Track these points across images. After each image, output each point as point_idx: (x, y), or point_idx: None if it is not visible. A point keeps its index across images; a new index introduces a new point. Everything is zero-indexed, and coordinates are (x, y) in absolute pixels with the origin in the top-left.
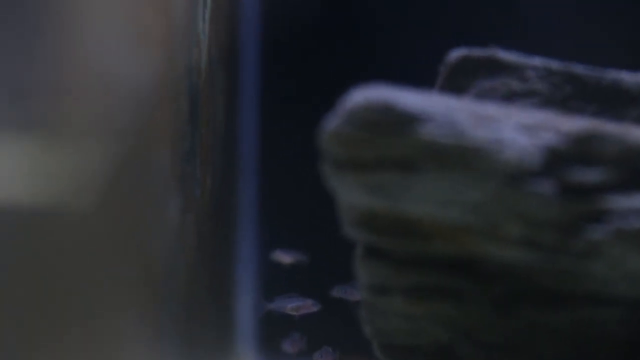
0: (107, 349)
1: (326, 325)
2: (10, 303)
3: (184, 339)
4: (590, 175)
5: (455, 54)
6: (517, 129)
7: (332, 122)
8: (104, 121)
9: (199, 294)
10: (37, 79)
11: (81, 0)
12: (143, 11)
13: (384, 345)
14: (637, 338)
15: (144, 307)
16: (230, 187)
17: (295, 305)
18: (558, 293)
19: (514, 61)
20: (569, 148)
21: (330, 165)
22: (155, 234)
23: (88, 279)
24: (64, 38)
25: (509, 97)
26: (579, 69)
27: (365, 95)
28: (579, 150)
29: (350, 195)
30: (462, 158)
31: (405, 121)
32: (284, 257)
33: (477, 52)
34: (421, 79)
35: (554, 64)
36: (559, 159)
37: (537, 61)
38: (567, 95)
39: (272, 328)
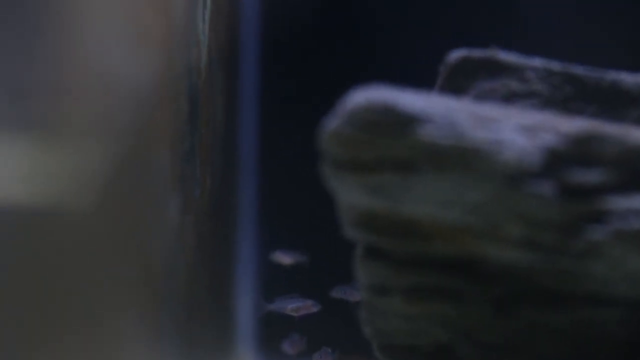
0: (107, 349)
1: (326, 326)
2: (10, 303)
3: (184, 339)
4: (590, 176)
5: (455, 55)
6: (516, 129)
7: (332, 123)
8: (104, 121)
9: (199, 294)
10: (37, 79)
11: (81, 0)
12: (143, 11)
13: (383, 346)
14: (637, 338)
15: (144, 307)
16: (230, 187)
17: (295, 306)
18: (558, 293)
19: (514, 62)
20: (569, 149)
21: (330, 165)
22: (155, 234)
23: (88, 279)
24: (64, 38)
25: (509, 98)
26: (579, 69)
27: (366, 96)
28: (579, 151)
29: (350, 195)
30: (462, 159)
31: (405, 122)
32: (284, 258)
33: (477, 53)
34: (421, 80)
35: (554, 65)
36: (558, 159)
37: (537, 62)
38: (567, 96)
39: (272, 329)
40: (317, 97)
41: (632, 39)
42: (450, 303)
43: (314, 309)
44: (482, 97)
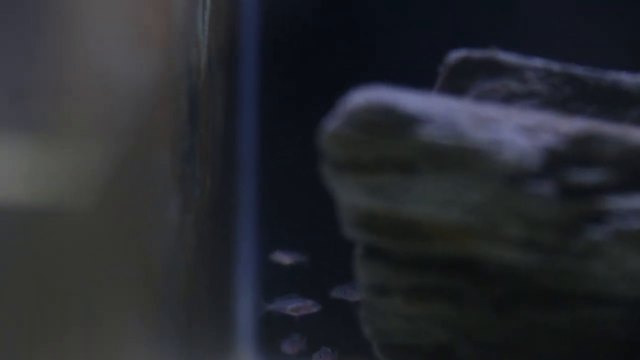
0: (107, 349)
1: (326, 326)
2: (10, 303)
3: (184, 339)
4: (589, 176)
5: (455, 55)
6: (516, 130)
7: (332, 123)
8: (103, 121)
9: (199, 294)
10: (37, 79)
11: (81, 0)
12: (143, 11)
13: (383, 346)
14: (637, 338)
15: (144, 307)
16: (230, 187)
17: (295, 306)
18: (558, 293)
19: (513, 62)
20: (569, 149)
21: (330, 166)
22: (155, 234)
23: (88, 279)
24: (64, 38)
25: (509, 99)
26: (578, 70)
27: (365, 96)
28: (579, 151)
29: (350, 196)
30: (461, 159)
31: (405, 122)
32: (284, 258)
33: (476, 53)
34: (421, 80)
35: (554, 65)
36: (558, 160)
37: (537, 62)
38: (567, 97)
39: (271, 329)
40: (317, 97)
41: (632, 39)
42: (450, 303)
43: (314, 309)
44: (482, 97)
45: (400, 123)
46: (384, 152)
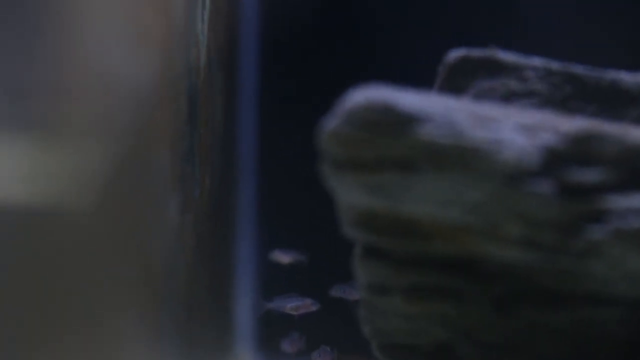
0: (107, 349)
1: (325, 325)
2: (10, 303)
3: (184, 338)
4: (589, 175)
5: (454, 54)
6: (516, 129)
7: (332, 122)
8: (103, 121)
9: (198, 294)
10: (37, 79)
11: (81, 0)
12: (143, 11)
13: (383, 345)
14: (637, 338)
15: (144, 307)
16: (229, 187)
17: (294, 305)
18: (558, 293)
19: (513, 61)
20: (568, 148)
21: (329, 165)
22: (155, 234)
23: (88, 279)
24: (64, 38)
25: (508, 98)
26: (578, 69)
27: (365, 95)
28: (578, 151)
29: (350, 195)
30: (461, 158)
31: (404, 121)
32: (283, 257)
33: (476, 52)
34: (421, 79)
35: (554, 64)
36: (558, 159)
37: (536, 61)
38: (566, 96)
39: (271, 328)
40: (317, 97)
41: (632, 39)
42: (450, 302)
43: (313, 308)
44: (482, 96)
45: (399, 122)
46: (383, 151)
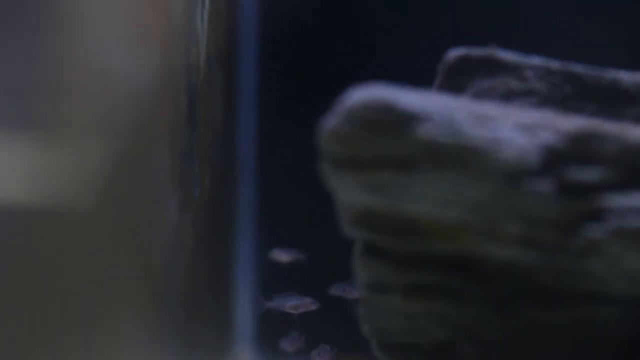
0: (107, 348)
1: (325, 324)
2: (10, 303)
3: (184, 338)
4: (589, 174)
5: (454, 54)
6: (515, 128)
7: (331, 121)
8: (103, 121)
9: (198, 293)
10: (37, 79)
11: (81, 0)
12: (143, 11)
13: (382, 344)
14: (636, 337)
15: (144, 307)
16: (229, 186)
17: (293, 304)
18: (557, 292)
19: (512, 61)
20: (568, 147)
21: (329, 164)
22: (155, 233)
23: (88, 279)
24: (64, 38)
25: (508, 97)
26: (578, 68)
27: (365, 94)
28: (578, 149)
29: (349, 194)
30: (460, 157)
31: (404, 120)
32: (283, 256)
33: (475, 51)
34: (420, 79)
35: (553, 64)
36: (557, 158)
37: (536, 61)
38: (566, 95)
39: (270, 326)
40: (316, 97)
41: (632, 39)
42: (449, 301)
43: (313, 307)
44: (481, 95)
45: (399, 121)
46: (383, 150)
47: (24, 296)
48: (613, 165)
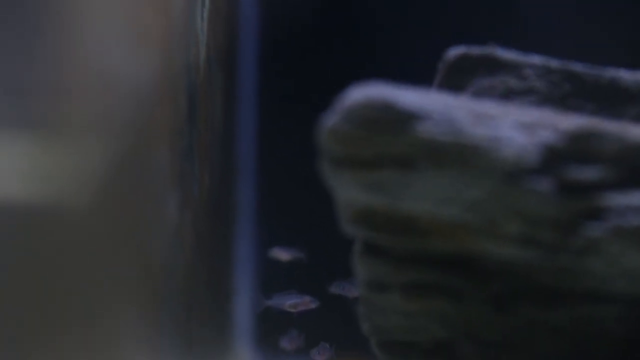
0: (107, 348)
1: (324, 322)
2: (10, 303)
3: (184, 337)
4: (588, 173)
5: (454, 52)
6: (515, 126)
7: (331, 120)
8: (103, 120)
9: (198, 293)
10: (37, 79)
11: (81, 0)
12: (143, 11)
13: (382, 342)
14: (635, 335)
15: (144, 306)
16: (229, 185)
17: (293, 302)
18: (557, 290)
19: (512, 59)
20: (567, 146)
21: (328, 163)
22: (155, 233)
23: (88, 279)
24: (64, 38)
25: (507, 95)
26: (577, 67)
27: (364, 93)
28: (577, 148)
29: (349, 192)
30: (460, 156)
31: (404, 119)
32: (282, 255)
33: (475, 50)
34: (420, 78)
35: (553, 62)
36: (557, 156)
37: (535, 59)
38: (565, 94)
39: (270, 325)
40: (316, 96)
41: (632, 39)
42: (449, 300)
43: (312, 305)
44: (481, 94)
45: (398, 119)
46: (382, 149)
47: (24, 296)
48: (612, 164)
